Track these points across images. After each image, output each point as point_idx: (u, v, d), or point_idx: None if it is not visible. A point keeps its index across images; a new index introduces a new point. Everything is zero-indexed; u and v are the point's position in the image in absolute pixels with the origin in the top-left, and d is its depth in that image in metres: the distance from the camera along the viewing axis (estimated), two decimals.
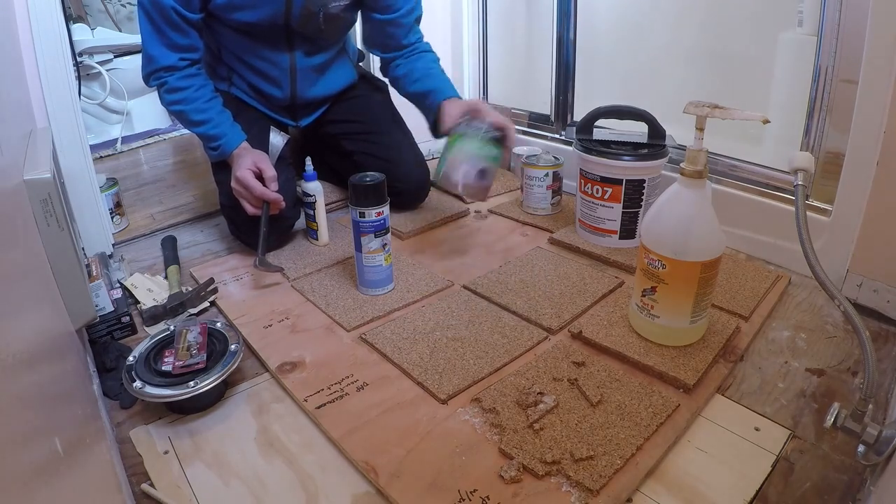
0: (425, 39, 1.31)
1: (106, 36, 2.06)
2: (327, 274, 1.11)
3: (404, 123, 1.42)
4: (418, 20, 1.29)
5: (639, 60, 1.42)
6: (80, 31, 1.96)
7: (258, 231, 1.10)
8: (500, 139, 1.09)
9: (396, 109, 1.44)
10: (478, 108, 1.12)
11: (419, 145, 1.41)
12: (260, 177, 1.09)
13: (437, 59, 1.30)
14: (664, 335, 0.86)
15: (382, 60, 1.32)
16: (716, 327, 0.89)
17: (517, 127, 1.65)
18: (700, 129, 0.77)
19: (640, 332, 0.88)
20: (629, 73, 1.46)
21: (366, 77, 1.47)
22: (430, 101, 1.20)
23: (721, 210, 0.84)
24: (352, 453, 0.71)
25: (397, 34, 1.26)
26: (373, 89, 1.45)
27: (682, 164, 0.79)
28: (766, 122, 0.73)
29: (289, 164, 1.26)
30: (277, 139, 1.20)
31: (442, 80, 1.24)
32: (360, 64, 1.53)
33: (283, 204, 1.11)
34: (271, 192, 1.08)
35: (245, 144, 1.14)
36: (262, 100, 1.31)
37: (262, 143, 1.18)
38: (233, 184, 1.10)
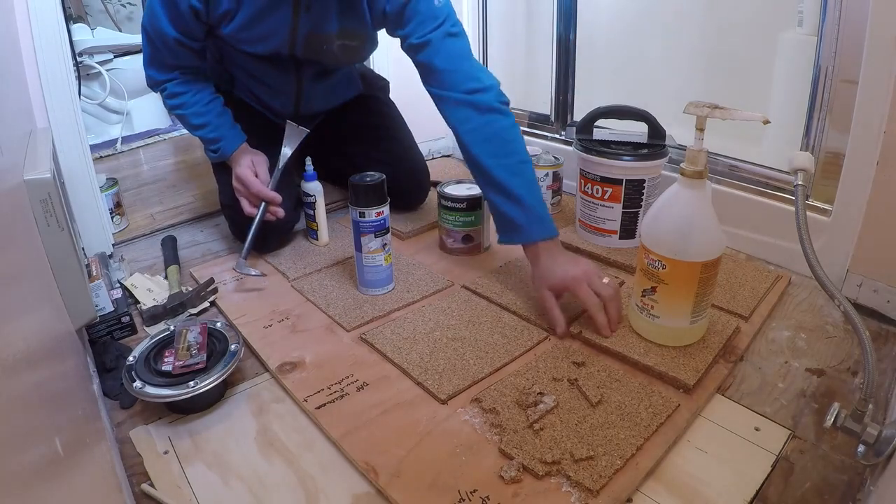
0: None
1: (106, 36, 2.07)
2: (327, 274, 1.11)
3: (405, 124, 1.41)
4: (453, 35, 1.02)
5: (639, 60, 1.42)
6: (80, 31, 1.96)
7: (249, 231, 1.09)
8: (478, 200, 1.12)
9: (397, 110, 1.44)
10: (567, 288, 0.91)
11: (420, 145, 1.41)
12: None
13: (515, 132, 1.00)
14: (664, 335, 0.86)
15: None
16: (716, 327, 0.89)
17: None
18: (700, 129, 0.77)
19: (640, 332, 0.88)
20: (629, 73, 1.46)
21: (367, 77, 1.46)
22: (515, 237, 0.96)
23: (721, 210, 0.84)
24: (352, 453, 0.71)
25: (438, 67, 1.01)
26: (375, 89, 1.43)
27: (682, 165, 0.79)
28: (767, 122, 0.73)
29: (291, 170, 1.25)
30: (286, 150, 1.14)
31: (532, 202, 0.95)
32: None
33: (282, 212, 1.10)
34: (268, 190, 1.08)
35: (244, 146, 1.14)
36: (264, 108, 1.30)
37: (263, 145, 1.17)
38: (234, 182, 1.10)
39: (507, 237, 0.98)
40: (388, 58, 1.61)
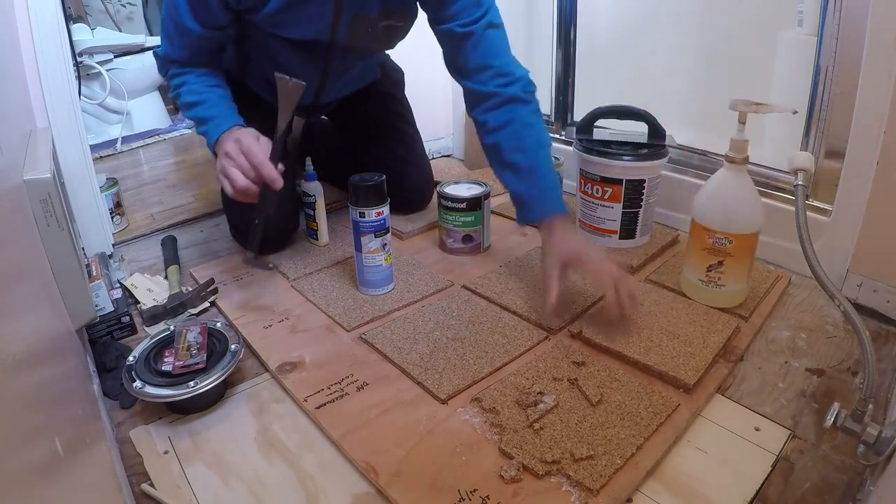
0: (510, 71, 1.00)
1: (106, 36, 2.06)
2: (327, 274, 1.11)
3: (414, 125, 1.39)
4: (493, 27, 1.01)
5: (639, 60, 1.42)
6: (80, 31, 1.96)
7: (254, 222, 0.97)
8: (477, 199, 1.14)
9: (411, 111, 1.39)
10: (578, 260, 0.92)
11: (425, 143, 1.39)
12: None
13: (536, 118, 1.01)
14: (725, 300, 0.96)
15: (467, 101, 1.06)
16: (716, 327, 0.89)
17: None
18: (742, 122, 0.89)
19: (703, 301, 0.97)
20: (629, 74, 1.46)
21: (386, 67, 1.37)
22: (527, 212, 0.99)
23: None
24: (352, 453, 0.71)
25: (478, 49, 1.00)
26: (391, 84, 1.37)
27: (728, 153, 0.90)
28: (795, 112, 0.88)
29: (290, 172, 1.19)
30: (284, 113, 0.97)
31: (543, 177, 0.98)
32: None
33: (280, 182, 0.90)
34: (271, 166, 0.88)
35: (237, 128, 0.99)
36: (275, 97, 1.21)
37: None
38: (228, 148, 0.90)
39: (523, 214, 1.00)
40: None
